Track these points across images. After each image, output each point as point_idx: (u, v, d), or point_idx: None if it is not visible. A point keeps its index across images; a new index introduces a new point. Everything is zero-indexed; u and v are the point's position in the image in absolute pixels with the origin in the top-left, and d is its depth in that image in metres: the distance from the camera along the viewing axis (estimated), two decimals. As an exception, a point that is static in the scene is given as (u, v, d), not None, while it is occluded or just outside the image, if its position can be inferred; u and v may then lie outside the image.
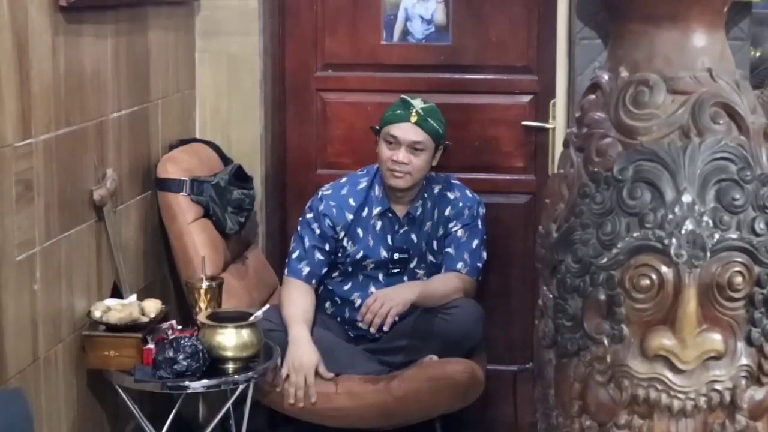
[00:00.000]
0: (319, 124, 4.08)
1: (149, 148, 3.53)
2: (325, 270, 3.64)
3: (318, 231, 3.61)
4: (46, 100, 2.82)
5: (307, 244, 3.62)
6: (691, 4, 2.04)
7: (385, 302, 3.42)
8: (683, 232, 1.96)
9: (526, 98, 3.98)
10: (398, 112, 3.57)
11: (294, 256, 3.64)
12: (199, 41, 3.89)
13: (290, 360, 3.42)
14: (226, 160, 3.78)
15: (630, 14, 2.08)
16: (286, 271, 3.66)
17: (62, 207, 2.91)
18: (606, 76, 2.10)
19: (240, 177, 3.69)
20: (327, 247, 3.61)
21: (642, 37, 2.07)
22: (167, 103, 3.65)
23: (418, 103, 3.57)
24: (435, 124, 3.56)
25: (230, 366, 3.05)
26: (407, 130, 3.54)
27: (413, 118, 3.53)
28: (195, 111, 3.92)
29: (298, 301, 3.57)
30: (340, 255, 3.64)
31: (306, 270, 3.60)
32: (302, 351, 3.44)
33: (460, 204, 3.67)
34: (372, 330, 3.45)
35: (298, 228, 3.66)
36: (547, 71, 3.67)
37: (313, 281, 3.62)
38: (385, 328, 3.46)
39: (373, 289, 3.61)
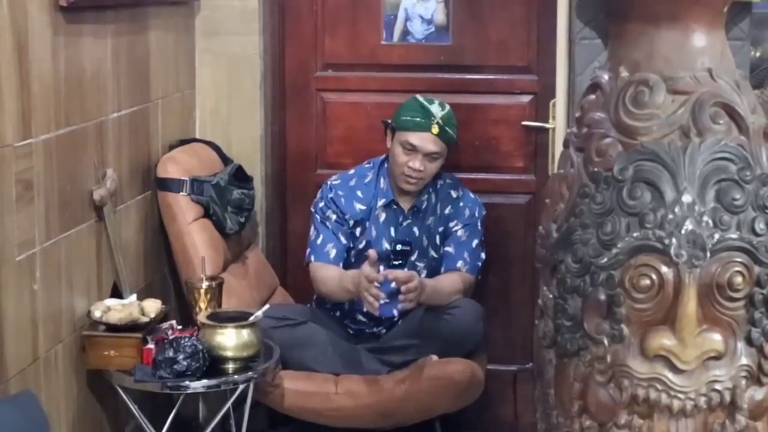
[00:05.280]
0: (319, 124, 4.09)
1: (149, 148, 3.53)
2: (346, 255, 3.64)
3: (334, 216, 3.63)
4: (46, 100, 2.82)
5: (329, 227, 3.63)
6: (691, 5, 2.04)
7: (418, 294, 3.35)
8: (683, 232, 1.96)
9: (526, 98, 3.98)
10: (418, 120, 3.56)
11: (318, 241, 3.63)
12: (199, 41, 3.90)
13: (354, 287, 3.38)
14: (226, 160, 3.78)
15: (630, 14, 2.08)
16: (311, 258, 3.62)
17: (62, 207, 2.91)
18: (606, 76, 2.10)
19: (240, 177, 3.69)
20: (347, 229, 3.63)
21: (642, 37, 2.06)
22: (167, 103, 3.65)
23: (437, 111, 3.57)
24: (452, 132, 3.59)
25: (230, 366, 3.05)
26: (427, 141, 3.55)
27: (435, 130, 3.54)
28: (195, 111, 3.92)
29: (333, 272, 3.56)
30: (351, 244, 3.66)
31: (333, 252, 3.61)
32: (352, 275, 3.43)
33: (461, 204, 3.68)
34: (374, 311, 3.36)
35: (317, 217, 3.66)
36: (547, 71, 3.67)
37: (340, 264, 3.61)
38: (395, 311, 3.45)
39: None
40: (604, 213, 2.01)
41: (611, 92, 2.07)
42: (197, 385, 2.97)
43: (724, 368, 2.02)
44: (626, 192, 2.00)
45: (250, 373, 3.08)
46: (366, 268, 3.31)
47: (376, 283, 3.28)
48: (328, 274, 3.57)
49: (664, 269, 1.98)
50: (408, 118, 3.57)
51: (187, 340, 2.98)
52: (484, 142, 3.99)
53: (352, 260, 3.64)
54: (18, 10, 2.66)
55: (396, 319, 3.64)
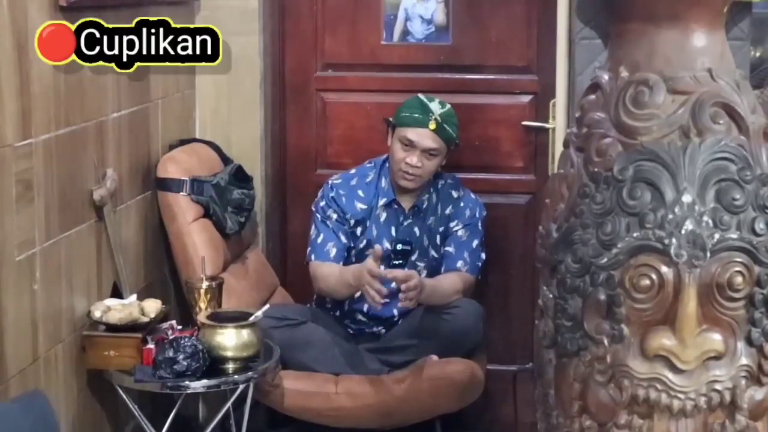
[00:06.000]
0: (319, 124, 4.09)
1: (149, 148, 3.53)
2: (346, 254, 3.64)
3: (335, 215, 3.63)
4: (46, 100, 2.82)
5: (329, 226, 3.62)
6: (691, 4, 2.04)
7: (418, 293, 3.36)
8: (683, 232, 1.96)
9: (526, 98, 3.98)
10: (417, 115, 3.56)
11: (319, 240, 3.62)
12: (199, 41, 3.89)
13: (355, 281, 3.40)
14: (226, 160, 3.78)
15: (630, 14, 2.08)
16: (312, 257, 3.62)
17: (62, 207, 2.91)
18: (606, 76, 2.10)
19: (240, 177, 3.69)
20: (347, 228, 3.63)
21: (642, 37, 2.06)
22: (167, 103, 3.65)
23: (436, 108, 3.57)
24: (451, 131, 3.58)
25: (230, 366, 3.05)
26: (424, 137, 3.55)
27: (432, 126, 3.54)
28: (195, 111, 3.92)
29: (334, 268, 3.56)
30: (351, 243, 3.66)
31: (333, 251, 3.60)
32: (353, 269, 3.46)
33: (462, 204, 3.68)
34: (375, 305, 3.38)
35: (317, 216, 3.66)
36: (547, 71, 3.67)
37: (341, 263, 3.60)
38: (395, 310, 3.50)
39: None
40: (604, 213, 2.01)
41: (611, 92, 2.07)
42: (197, 385, 2.97)
43: (724, 368, 2.02)
44: (626, 192, 2.00)
45: (250, 373, 3.08)
46: (370, 262, 3.32)
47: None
48: (329, 271, 3.57)
49: (664, 269, 1.98)
50: (407, 114, 3.59)
51: (187, 340, 2.98)
52: (484, 142, 3.99)
53: (353, 259, 3.64)
54: (18, 10, 2.66)
55: (396, 318, 3.64)
